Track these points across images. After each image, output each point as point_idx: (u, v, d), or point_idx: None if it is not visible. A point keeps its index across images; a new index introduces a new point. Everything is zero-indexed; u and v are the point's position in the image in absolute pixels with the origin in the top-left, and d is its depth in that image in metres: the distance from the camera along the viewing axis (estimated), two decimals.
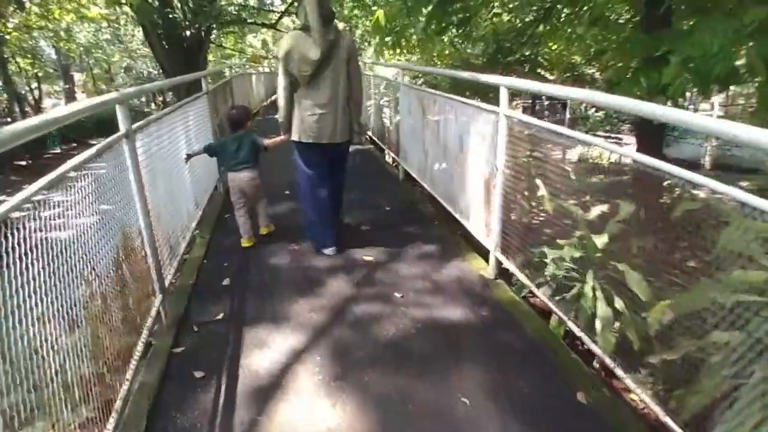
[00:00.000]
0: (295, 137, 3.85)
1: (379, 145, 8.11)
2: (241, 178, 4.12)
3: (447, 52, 9.51)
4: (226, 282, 3.65)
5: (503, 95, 3.23)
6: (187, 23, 15.57)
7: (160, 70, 19.35)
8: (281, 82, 3.76)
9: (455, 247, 4.23)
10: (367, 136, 8.48)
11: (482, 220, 3.80)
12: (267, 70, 19.67)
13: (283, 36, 4.24)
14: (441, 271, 3.81)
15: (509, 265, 3.57)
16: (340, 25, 3.72)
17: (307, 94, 3.71)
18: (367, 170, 6.68)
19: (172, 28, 15.73)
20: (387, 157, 7.88)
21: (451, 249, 4.18)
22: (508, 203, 3.44)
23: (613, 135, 16.03)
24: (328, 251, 4.04)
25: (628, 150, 2.53)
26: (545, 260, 3.39)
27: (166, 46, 16.86)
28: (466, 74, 3.89)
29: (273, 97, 18.18)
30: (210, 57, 24.72)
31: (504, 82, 3.21)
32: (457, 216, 4.32)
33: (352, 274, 3.75)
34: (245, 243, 4.22)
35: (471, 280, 3.68)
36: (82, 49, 26.71)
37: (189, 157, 4.18)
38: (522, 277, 3.46)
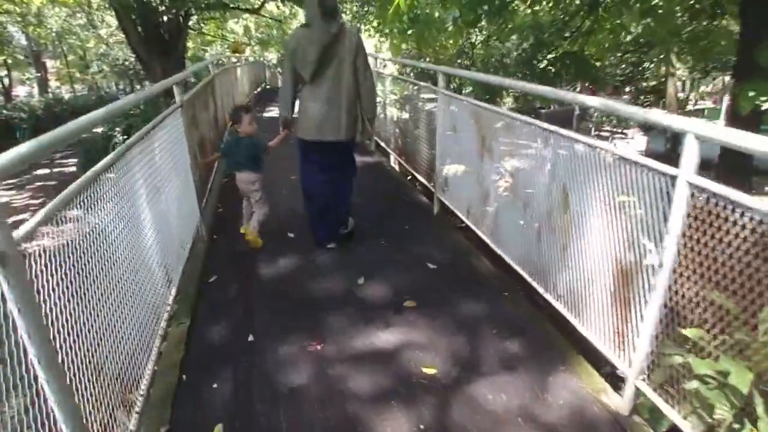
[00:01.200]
0: (298, 134, 3.74)
1: (387, 152, 6.69)
2: (240, 179, 3.96)
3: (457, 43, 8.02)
4: None
5: (690, 148, 1.82)
6: (164, 8, 13.76)
7: (136, 58, 17.54)
8: (285, 78, 3.73)
9: (546, 341, 2.84)
10: (373, 140, 7.04)
11: (611, 327, 2.41)
12: (251, 58, 17.87)
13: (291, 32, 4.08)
14: (543, 396, 2.41)
15: (651, 393, 2.22)
16: (348, 23, 3.59)
17: (310, 91, 3.58)
18: (387, 196, 5.23)
19: (148, 13, 13.98)
20: (394, 164, 6.50)
21: (541, 346, 2.78)
22: (671, 312, 2.07)
23: (618, 131, 14.82)
24: (330, 245, 3.99)
25: None
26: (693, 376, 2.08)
27: (142, 33, 15.16)
28: (624, 109, 2.41)
29: (259, 89, 16.48)
30: (189, 44, 22.81)
31: (694, 128, 1.79)
32: (555, 302, 2.90)
33: (415, 408, 2.33)
34: (245, 232, 4.04)
35: (594, 417, 2.31)
36: (54, 34, 24.48)
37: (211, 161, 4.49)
38: (670, 411, 2.12)
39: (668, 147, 10.29)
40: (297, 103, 3.74)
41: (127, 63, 24.68)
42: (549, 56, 6.08)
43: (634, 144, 13.88)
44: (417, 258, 3.78)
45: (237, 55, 15.34)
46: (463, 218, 4.07)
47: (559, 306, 2.85)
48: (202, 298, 3.31)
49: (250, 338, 2.87)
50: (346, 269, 3.63)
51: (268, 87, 18.78)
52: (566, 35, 5.92)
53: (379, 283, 3.42)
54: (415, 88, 5.35)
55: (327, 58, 3.44)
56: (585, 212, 2.54)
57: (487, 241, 3.67)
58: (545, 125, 2.79)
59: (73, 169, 13.59)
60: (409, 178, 6.14)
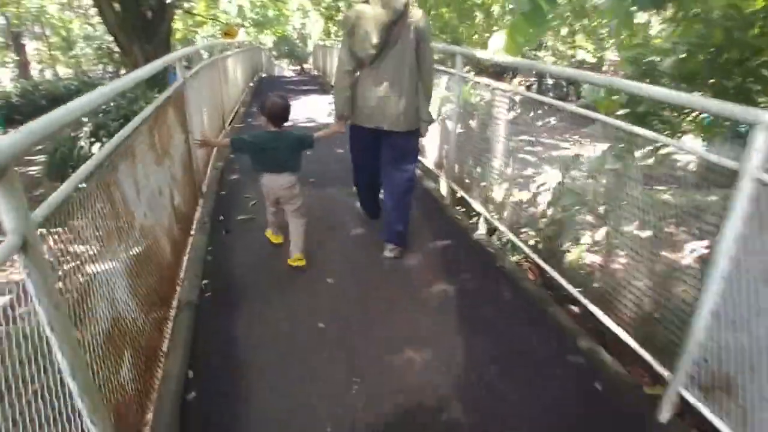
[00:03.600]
0: (353, 120, 3.10)
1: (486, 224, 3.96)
2: (279, 184, 2.95)
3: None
4: None
5: None
6: None
7: (114, 42, 14.44)
8: (343, 61, 2.98)
9: None
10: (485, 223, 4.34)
11: None
12: (243, 40, 14.68)
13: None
14: None
15: None
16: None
17: (369, 74, 2.96)
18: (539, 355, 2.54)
19: None
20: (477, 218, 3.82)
21: None
22: None
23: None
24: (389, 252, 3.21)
25: None
26: None
27: (120, 12, 12.22)
28: None
29: (255, 79, 13.45)
30: (178, 25, 19.58)
31: None
32: None
33: None
34: (272, 237, 3.30)
35: None
36: (31, 14, 20.97)
37: (204, 143, 3.48)
38: None
39: None
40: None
41: (112, 45, 21.27)
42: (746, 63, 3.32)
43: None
44: None
45: (229, 39, 12.33)
46: None
47: None
48: None
49: None
50: None
51: (264, 76, 15.72)
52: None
53: None
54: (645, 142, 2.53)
55: (390, 39, 2.83)
56: None
57: None
58: None
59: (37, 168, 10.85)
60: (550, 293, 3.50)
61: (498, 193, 3.53)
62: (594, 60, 13.66)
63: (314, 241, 3.32)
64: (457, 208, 4.26)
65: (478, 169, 3.75)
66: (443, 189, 4.39)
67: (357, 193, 3.62)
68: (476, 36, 8.13)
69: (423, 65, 2.95)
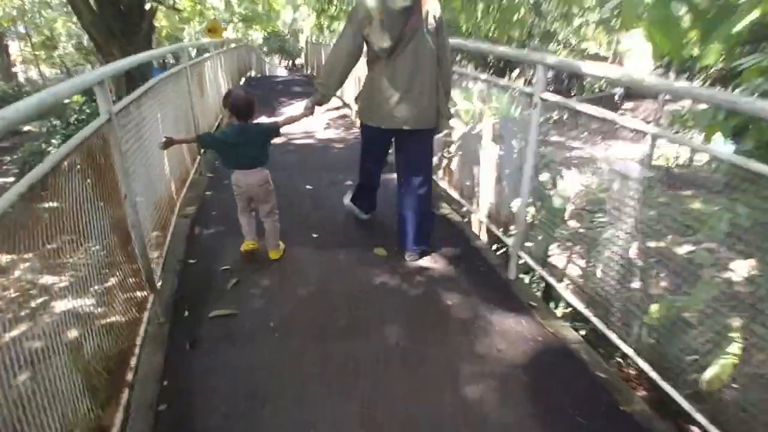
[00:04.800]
0: (369, 122, 2.83)
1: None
2: (252, 182, 2.75)
3: None
4: None
5: None
6: None
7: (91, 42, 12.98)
8: (344, 45, 2.65)
9: None
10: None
11: None
12: (231, 37, 13.19)
13: None
14: None
15: None
16: None
17: (386, 70, 2.66)
18: None
19: None
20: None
21: None
22: None
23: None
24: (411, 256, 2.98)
25: None
26: None
27: (96, 9, 10.85)
28: None
29: (242, 82, 12.03)
30: (164, 23, 18.00)
31: None
32: None
33: None
34: (248, 246, 2.88)
35: None
36: (14, 13, 19.30)
37: (169, 143, 2.70)
38: None
39: None
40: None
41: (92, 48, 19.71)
42: None
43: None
44: None
45: (214, 37, 10.90)
46: None
47: None
48: None
49: None
50: None
51: (253, 75, 14.29)
52: None
53: None
54: None
55: (407, 30, 2.55)
56: None
57: None
58: None
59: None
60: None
61: (599, 270, 2.30)
62: (608, 54, 12.43)
63: (325, 365, 2.05)
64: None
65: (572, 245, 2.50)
66: (511, 263, 3.14)
67: (357, 190, 3.29)
68: (493, 26, 6.71)
69: (442, 56, 2.71)
